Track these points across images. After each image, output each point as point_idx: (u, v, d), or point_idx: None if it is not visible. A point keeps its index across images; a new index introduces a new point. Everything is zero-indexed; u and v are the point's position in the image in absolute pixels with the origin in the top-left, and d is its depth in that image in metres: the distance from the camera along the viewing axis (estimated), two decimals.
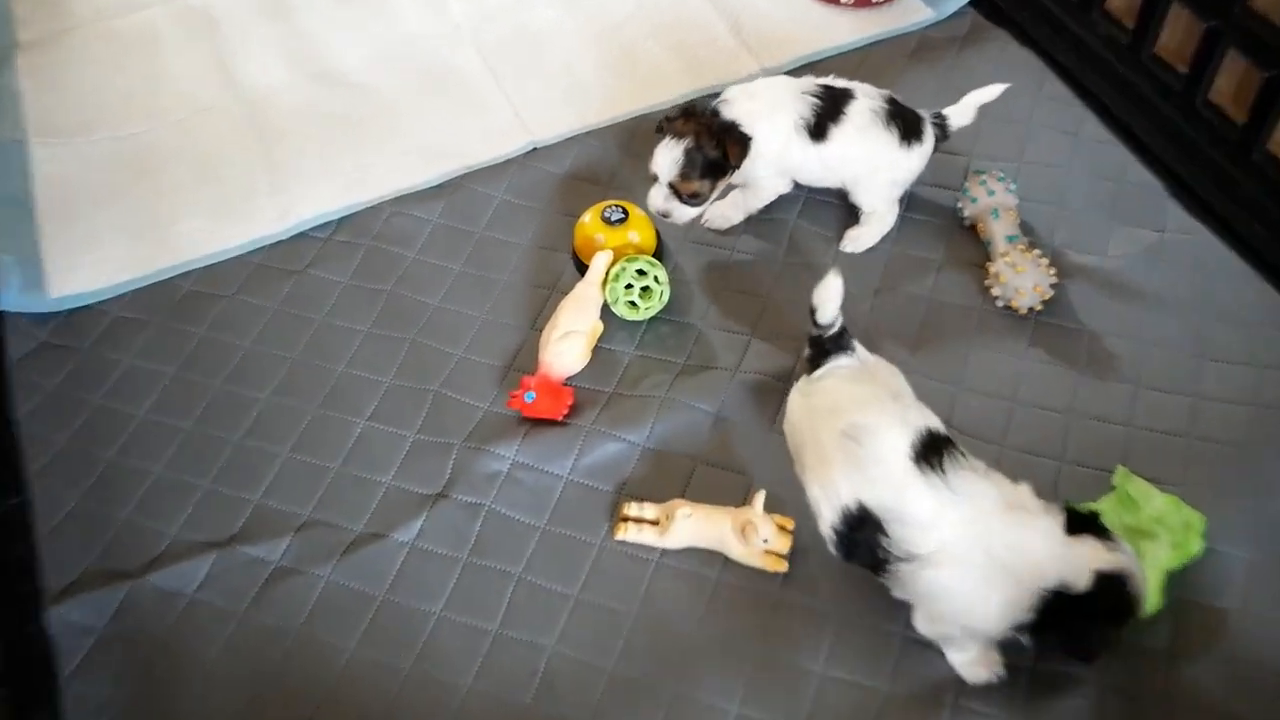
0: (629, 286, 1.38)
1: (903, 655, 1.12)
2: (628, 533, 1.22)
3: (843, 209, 1.50)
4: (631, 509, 1.24)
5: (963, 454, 1.06)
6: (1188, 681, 1.08)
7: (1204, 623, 1.11)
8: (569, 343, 1.35)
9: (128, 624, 1.20)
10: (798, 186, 1.49)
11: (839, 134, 1.38)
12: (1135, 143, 1.56)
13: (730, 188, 1.44)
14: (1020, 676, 1.09)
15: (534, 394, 1.31)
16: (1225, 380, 1.29)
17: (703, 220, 1.50)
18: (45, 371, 1.42)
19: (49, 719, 1.14)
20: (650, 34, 1.78)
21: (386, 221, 1.57)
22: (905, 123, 1.40)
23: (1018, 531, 1.00)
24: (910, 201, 1.51)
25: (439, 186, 1.61)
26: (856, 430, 1.05)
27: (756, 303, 1.44)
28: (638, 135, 1.64)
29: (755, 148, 1.36)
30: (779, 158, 1.40)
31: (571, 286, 1.41)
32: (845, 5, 1.78)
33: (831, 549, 1.09)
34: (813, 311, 1.12)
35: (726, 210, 1.50)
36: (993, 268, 1.39)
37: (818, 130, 1.38)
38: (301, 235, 1.56)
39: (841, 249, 1.48)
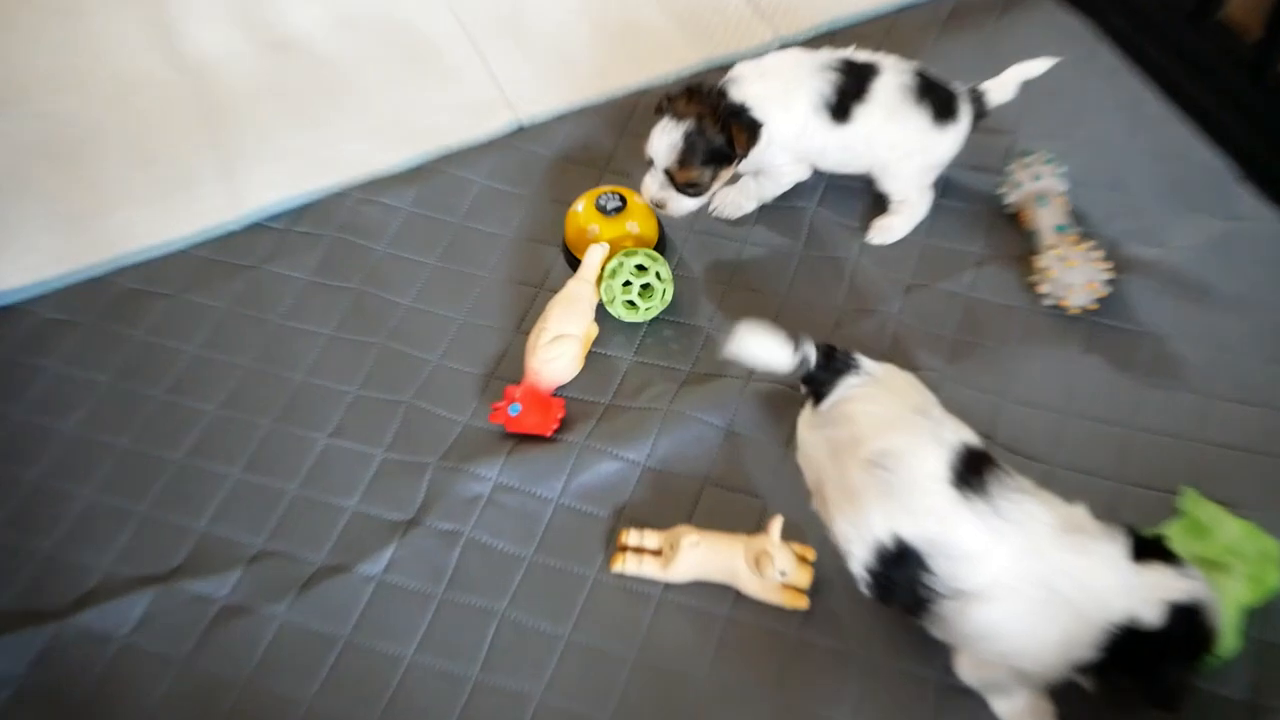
0: (627, 284, 1.38)
1: (940, 705, 1.11)
2: (626, 564, 1.21)
3: (868, 195, 1.50)
4: (631, 537, 1.23)
5: (1007, 471, 1.06)
6: None
7: None
8: (559, 348, 1.35)
9: (51, 672, 1.19)
10: (817, 172, 1.49)
11: (864, 114, 1.38)
12: (1201, 119, 1.56)
13: (737, 176, 1.44)
14: None
15: (519, 406, 1.31)
16: None
17: (710, 209, 1.50)
18: None
19: None
20: None
21: (352, 210, 1.57)
22: (938, 100, 1.40)
23: (1079, 559, 0.99)
24: (945, 187, 1.51)
25: (412, 170, 1.61)
26: (884, 456, 1.05)
27: (772, 301, 1.44)
28: (637, 113, 1.65)
29: (768, 134, 1.36)
30: (796, 143, 1.40)
31: (562, 284, 1.41)
32: None
33: (865, 591, 1.08)
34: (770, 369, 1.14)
35: (737, 197, 1.50)
36: (1040, 262, 1.39)
37: (840, 110, 1.38)
38: (255, 226, 1.56)
39: (868, 241, 1.48)
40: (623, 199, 1.44)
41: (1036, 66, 1.43)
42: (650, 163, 1.38)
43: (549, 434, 1.32)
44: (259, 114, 1.69)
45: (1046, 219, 1.41)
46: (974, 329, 1.39)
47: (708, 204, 1.47)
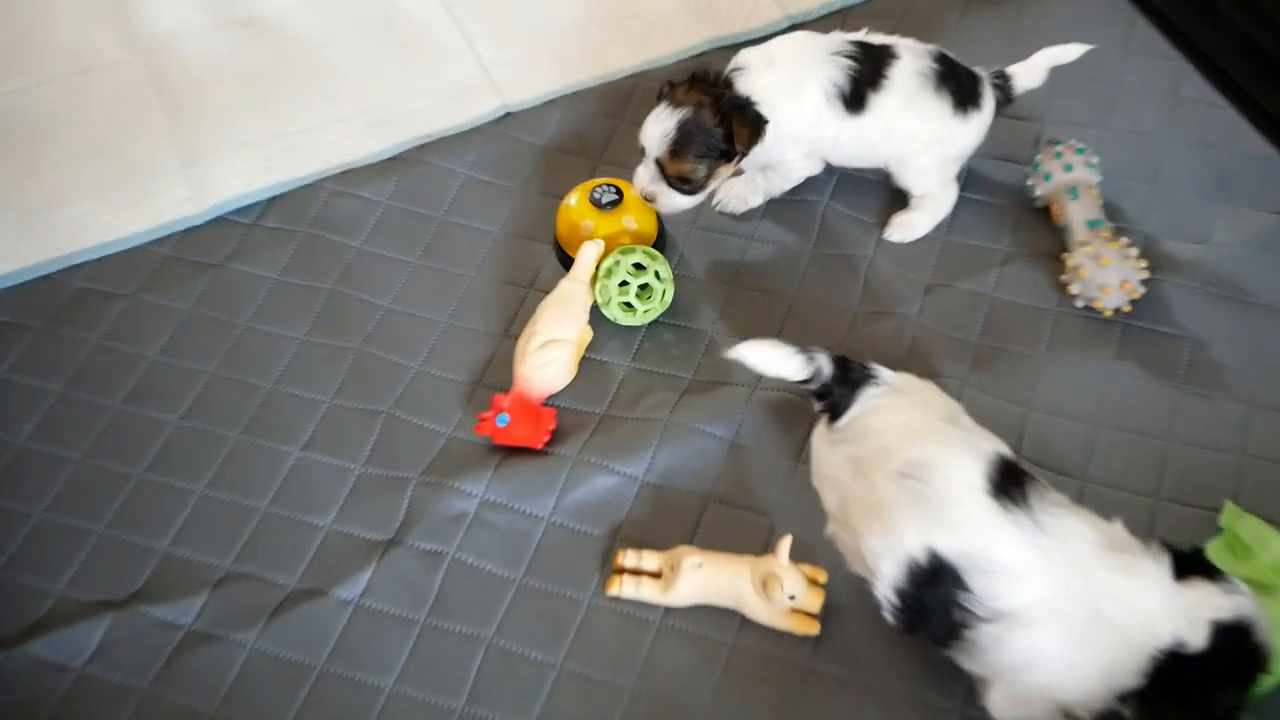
0: (624, 284, 1.39)
1: None
2: (623, 587, 1.22)
3: (885, 187, 1.52)
4: (628, 558, 1.24)
5: (1045, 485, 1.07)
6: None
7: None
8: (551, 353, 1.36)
9: (1, 705, 1.19)
10: (830, 166, 1.50)
11: (880, 104, 1.39)
12: (1247, 104, 1.57)
13: (740, 171, 1.45)
14: None
15: (508, 416, 1.31)
16: None
17: (714, 203, 1.52)
18: None
19: None
20: None
21: (325, 203, 1.58)
22: (960, 86, 1.41)
23: (1124, 579, 1.00)
24: (968, 179, 1.52)
25: (390, 160, 1.62)
26: (916, 467, 1.06)
27: (780, 303, 1.45)
28: (635, 98, 1.66)
29: (775, 129, 1.37)
30: (807, 138, 1.41)
31: (553, 284, 1.42)
32: None
33: (890, 618, 1.09)
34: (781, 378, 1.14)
35: (743, 190, 1.51)
36: (1071, 260, 1.40)
37: (854, 100, 1.39)
38: (220, 220, 1.57)
39: (886, 237, 1.49)
40: (619, 192, 1.45)
41: (1068, 52, 1.44)
42: (643, 151, 1.39)
43: (539, 446, 1.33)
44: (224, 98, 1.70)
45: (1078, 213, 1.43)
46: (999, 333, 1.41)
47: (710, 199, 1.48)
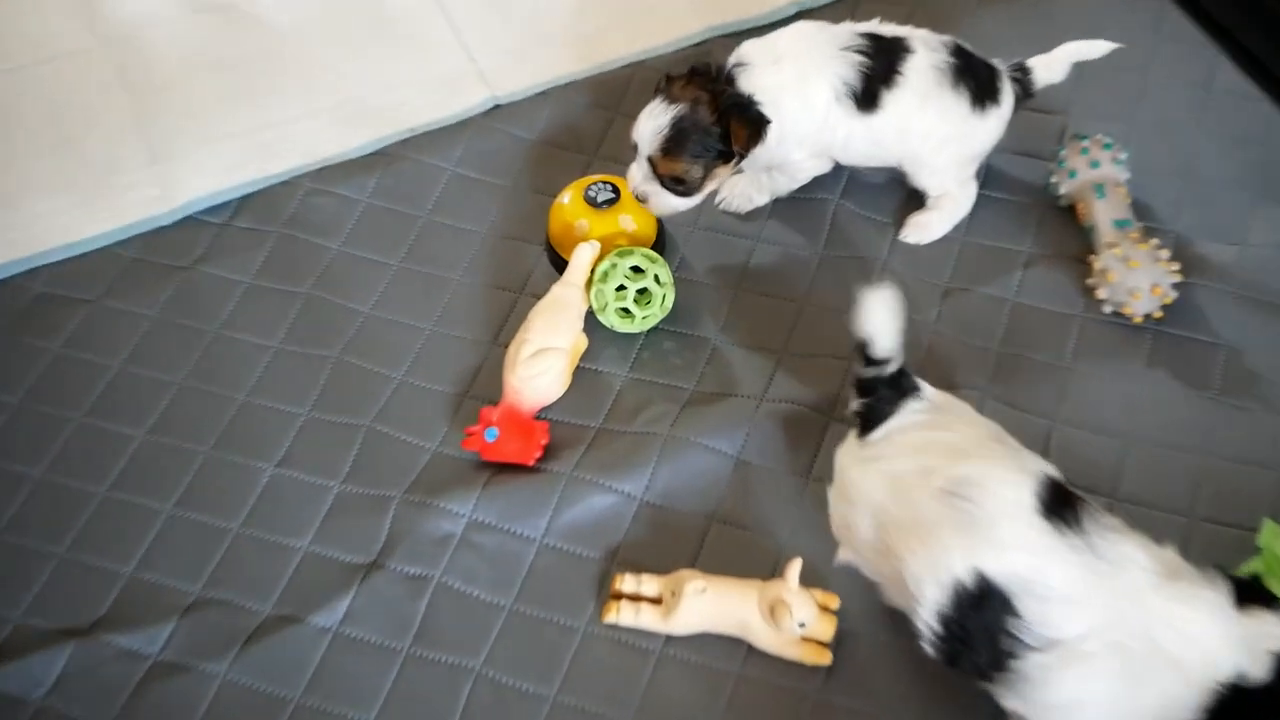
0: (621, 289, 1.38)
1: None
2: (621, 614, 1.22)
3: (899, 185, 1.52)
4: (626, 583, 1.24)
5: (1097, 507, 1.06)
6: None
7: None
8: (543, 363, 1.36)
9: None
10: (839, 165, 1.50)
11: (894, 101, 1.39)
12: None
13: (740, 170, 1.44)
14: None
15: (497, 431, 1.31)
16: None
17: (717, 202, 1.51)
18: None
19: None
20: None
21: (302, 201, 1.58)
22: (978, 81, 1.41)
23: (1183, 608, 1.00)
24: (987, 176, 1.52)
25: (370, 155, 1.62)
26: (963, 485, 1.05)
27: (788, 309, 1.45)
28: (631, 90, 1.66)
29: (779, 130, 1.37)
30: (815, 138, 1.41)
31: (545, 288, 1.42)
32: None
33: (930, 649, 1.08)
34: (862, 345, 1.12)
35: (747, 189, 1.51)
36: (1097, 262, 1.40)
37: (866, 98, 1.39)
38: (189, 220, 1.57)
39: (901, 239, 1.49)
40: (615, 190, 1.45)
41: (1094, 48, 1.44)
42: (636, 148, 1.38)
43: (531, 463, 1.33)
44: (195, 89, 1.70)
45: (1105, 212, 1.43)
46: (1021, 340, 1.40)
47: (711, 199, 1.47)
